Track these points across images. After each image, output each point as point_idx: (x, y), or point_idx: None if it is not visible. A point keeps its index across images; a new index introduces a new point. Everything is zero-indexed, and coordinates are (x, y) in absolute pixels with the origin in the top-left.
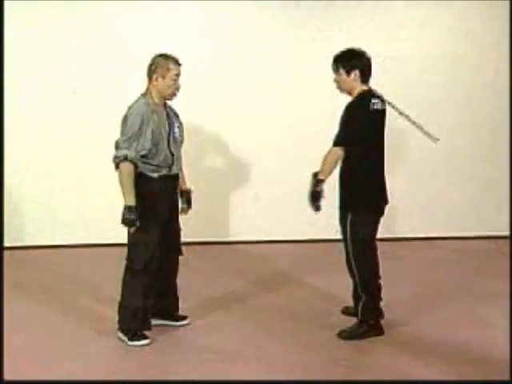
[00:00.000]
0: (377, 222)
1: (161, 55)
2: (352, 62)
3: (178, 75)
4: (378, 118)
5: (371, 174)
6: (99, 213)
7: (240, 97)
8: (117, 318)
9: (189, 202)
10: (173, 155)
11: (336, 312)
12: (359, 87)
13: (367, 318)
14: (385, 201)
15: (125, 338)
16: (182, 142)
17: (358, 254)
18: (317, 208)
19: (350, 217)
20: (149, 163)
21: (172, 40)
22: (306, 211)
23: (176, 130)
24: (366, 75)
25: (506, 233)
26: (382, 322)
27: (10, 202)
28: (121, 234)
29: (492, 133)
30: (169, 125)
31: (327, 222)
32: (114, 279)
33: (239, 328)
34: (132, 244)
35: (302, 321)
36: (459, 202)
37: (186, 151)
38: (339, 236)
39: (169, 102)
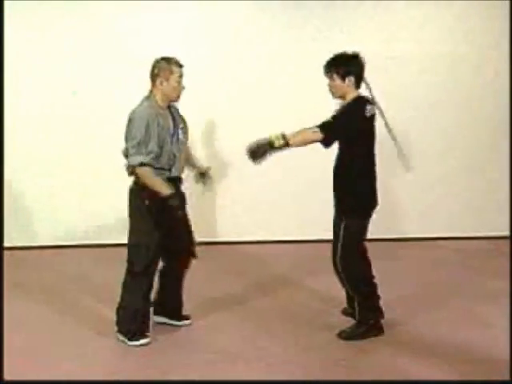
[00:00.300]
0: (367, 225)
1: (163, 58)
2: (347, 67)
3: (181, 77)
4: (371, 124)
5: (364, 176)
6: (99, 213)
7: (240, 97)
8: (115, 319)
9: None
10: (175, 156)
11: (335, 313)
12: (353, 93)
13: (365, 317)
14: (376, 203)
15: (124, 339)
16: (185, 143)
17: (348, 257)
18: (256, 163)
19: (345, 221)
20: (152, 166)
21: (172, 40)
22: (305, 212)
23: (180, 131)
24: (360, 80)
25: (506, 233)
26: (382, 321)
27: (9, 202)
28: (121, 235)
29: (492, 133)
30: (173, 126)
31: (329, 222)
32: (114, 280)
33: (239, 328)
34: (132, 246)
35: (302, 321)
36: (459, 202)
37: None
38: None
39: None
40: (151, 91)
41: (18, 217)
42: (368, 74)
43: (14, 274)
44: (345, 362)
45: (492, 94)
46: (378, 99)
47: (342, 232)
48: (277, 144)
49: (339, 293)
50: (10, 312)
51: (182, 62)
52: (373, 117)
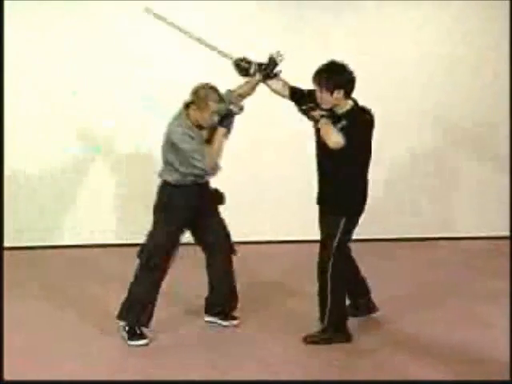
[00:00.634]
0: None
1: (205, 86)
2: (336, 81)
3: (215, 112)
4: (370, 131)
5: (359, 176)
6: (100, 213)
7: None
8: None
9: None
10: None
11: None
12: (343, 103)
13: (334, 322)
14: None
15: (125, 336)
16: None
17: (338, 256)
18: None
19: (343, 221)
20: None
21: (172, 40)
22: (306, 211)
23: None
24: (349, 92)
25: (506, 233)
26: (382, 321)
27: (9, 202)
28: (121, 235)
29: (491, 133)
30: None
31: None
32: (115, 280)
33: (240, 328)
34: (150, 240)
35: (303, 321)
36: (459, 202)
37: None
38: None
39: None
40: (186, 108)
41: (18, 217)
42: (367, 75)
43: (14, 274)
44: (338, 362)
45: (491, 94)
46: (376, 100)
47: (339, 232)
48: (316, 114)
49: None
50: (10, 312)
51: (221, 96)
52: (372, 124)
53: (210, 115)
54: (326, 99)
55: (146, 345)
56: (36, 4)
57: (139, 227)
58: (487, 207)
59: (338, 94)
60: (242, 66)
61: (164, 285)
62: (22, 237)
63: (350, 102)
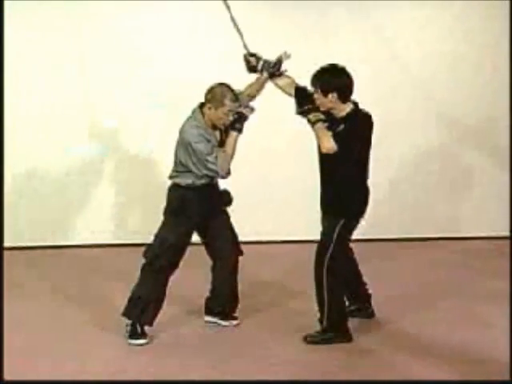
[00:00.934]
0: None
1: (221, 85)
2: (330, 84)
3: (231, 111)
4: (369, 135)
5: (359, 179)
6: (100, 213)
7: None
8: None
9: None
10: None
11: None
12: (342, 107)
13: (333, 323)
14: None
15: (126, 333)
16: None
17: (337, 257)
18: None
19: (342, 222)
20: (191, 171)
21: (173, 40)
22: (310, 212)
23: None
24: (346, 96)
25: (506, 233)
26: (382, 321)
27: (9, 202)
28: (121, 235)
29: (492, 132)
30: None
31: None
32: (115, 280)
33: (241, 328)
34: (157, 241)
35: (304, 321)
36: (459, 202)
37: None
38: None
39: None
40: (201, 107)
41: (18, 217)
42: (370, 73)
43: (14, 274)
44: (338, 362)
45: (492, 92)
46: (380, 98)
47: (336, 232)
48: (312, 117)
49: None
50: (10, 312)
51: (236, 95)
52: (371, 128)
53: (225, 114)
54: (322, 101)
55: (144, 344)
56: (36, 4)
57: (139, 227)
58: (487, 207)
59: (333, 97)
60: (251, 62)
61: None
62: (22, 237)
63: (351, 105)
